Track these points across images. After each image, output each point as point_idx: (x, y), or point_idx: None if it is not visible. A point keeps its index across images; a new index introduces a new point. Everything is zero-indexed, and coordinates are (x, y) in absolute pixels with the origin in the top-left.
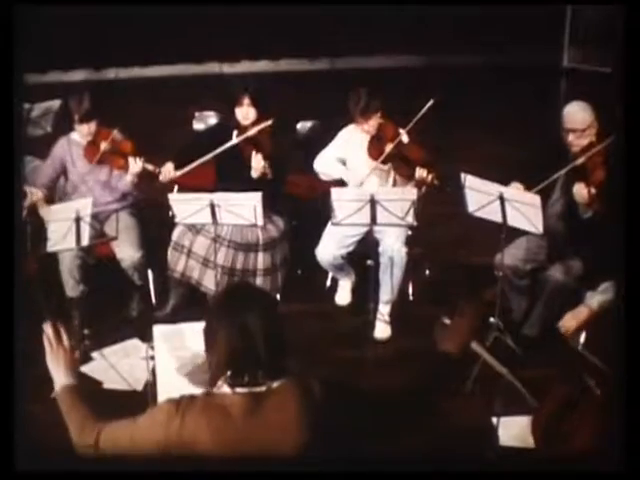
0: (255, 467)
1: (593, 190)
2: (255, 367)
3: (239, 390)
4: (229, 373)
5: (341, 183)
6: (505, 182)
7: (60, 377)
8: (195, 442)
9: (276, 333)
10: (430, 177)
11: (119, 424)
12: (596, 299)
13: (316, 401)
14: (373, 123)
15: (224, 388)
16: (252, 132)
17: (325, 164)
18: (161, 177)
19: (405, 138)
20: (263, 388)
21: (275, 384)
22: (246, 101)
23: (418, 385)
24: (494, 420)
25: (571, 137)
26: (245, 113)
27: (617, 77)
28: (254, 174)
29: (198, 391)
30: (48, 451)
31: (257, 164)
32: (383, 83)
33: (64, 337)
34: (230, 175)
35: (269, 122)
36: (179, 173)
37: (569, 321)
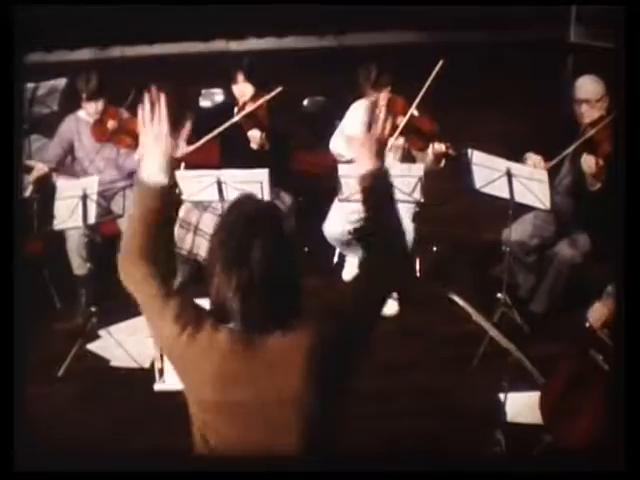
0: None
1: (601, 162)
2: (262, 308)
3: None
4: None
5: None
6: (513, 158)
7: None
8: (195, 370)
9: (289, 270)
10: (445, 147)
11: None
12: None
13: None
14: (384, 96)
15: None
16: (252, 107)
17: (339, 145)
18: (176, 154)
19: (415, 111)
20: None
21: (287, 327)
22: (241, 78)
23: (425, 362)
24: (501, 396)
25: (584, 108)
26: (241, 90)
27: (617, 77)
28: (253, 146)
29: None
30: (47, 451)
31: (253, 136)
32: (390, 59)
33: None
34: (234, 152)
35: (277, 91)
36: (190, 148)
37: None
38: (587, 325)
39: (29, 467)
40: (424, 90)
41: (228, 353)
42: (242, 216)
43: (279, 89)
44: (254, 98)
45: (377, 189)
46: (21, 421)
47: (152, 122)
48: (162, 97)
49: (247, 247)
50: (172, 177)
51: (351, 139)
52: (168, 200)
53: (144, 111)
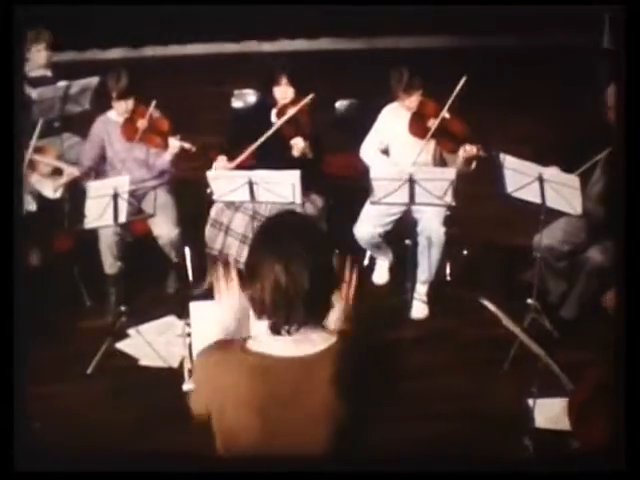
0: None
1: None
2: (299, 305)
3: (280, 339)
4: (271, 312)
5: None
6: (543, 162)
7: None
8: (228, 398)
9: (324, 266)
10: (476, 149)
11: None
12: None
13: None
14: (415, 99)
15: (263, 336)
16: (293, 111)
17: (367, 155)
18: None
19: (446, 114)
20: (308, 351)
21: (318, 347)
22: (284, 80)
23: (453, 366)
24: (530, 402)
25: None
26: (283, 92)
27: (617, 77)
28: (295, 154)
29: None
30: (47, 451)
31: (298, 145)
32: (422, 62)
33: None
34: (269, 154)
35: (310, 97)
36: (234, 164)
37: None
38: None
39: (29, 467)
40: (455, 93)
41: (258, 373)
42: (286, 224)
43: (311, 96)
44: (295, 101)
45: None
46: (21, 421)
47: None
48: (234, 271)
49: (288, 251)
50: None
51: None
52: None
53: (218, 284)
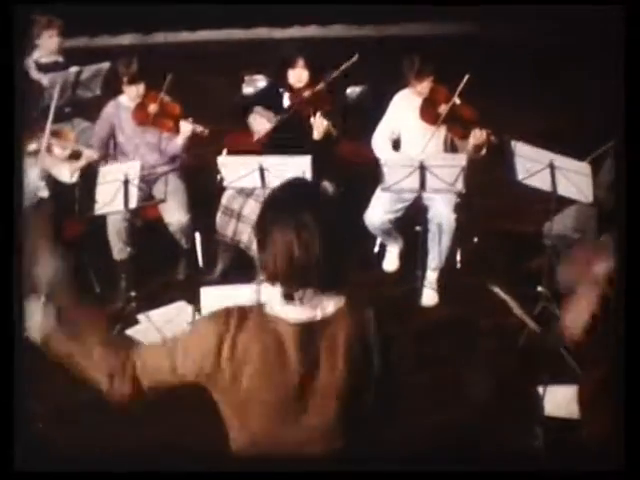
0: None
1: None
2: (311, 272)
3: (292, 308)
4: (283, 279)
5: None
6: (555, 149)
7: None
8: (245, 361)
9: (334, 234)
10: (486, 135)
11: (154, 346)
12: None
13: (367, 342)
14: (426, 85)
15: (275, 303)
16: (319, 87)
17: (377, 146)
18: (256, 136)
19: (457, 100)
20: (318, 313)
21: (329, 309)
22: (300, 63)
23: (463, 353)
24: (540, 390)
25: None
26: (298, 75)
27: (617, 77)
28: (316, 135)
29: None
30: (48, 451)
31: (320, 124)
32: (433, 49)
33: None
34: (286, 138)
35: (355, 57)
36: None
37: None
38: None
39: (29, 467)
40: (466, 79)
41: (275, 336)
42: (296, 191)
43: (355, 57)
44: (310, 84)
45: None
46: (21, 421)
47: None
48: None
49: (300, 218)
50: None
51: None
52: None
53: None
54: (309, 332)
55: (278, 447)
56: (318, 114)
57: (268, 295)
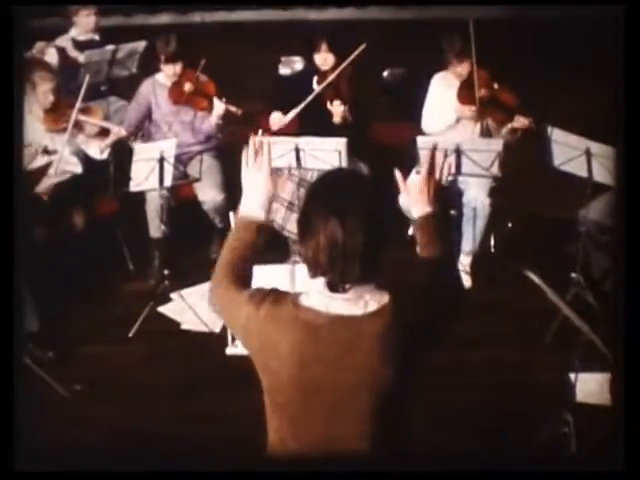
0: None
1: None
2: (355, 261)
3: (332, 297)
4: (327, 269)
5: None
6: (593, 136)
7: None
8: (272, 354)
9: (378, 222)
10: (528, 121)
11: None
12: None
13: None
14: (466, 67)
15: (315, 293)
16: (332, 77)
17: (430, 123)
18: (273, 127)
19: (496, 85)
20: (360, 309)
21: (372, 306)
22: (324, 47)
23: (496, 337)
24: (572, 376)
25: None
26: (323, 59)
27: (617, 77)
28: (336, 120)
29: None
30: (47, 451)
31: (337, 109)
32: (474, 31)
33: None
34: (313, 121)
35: (362, 47)
36: (288, 118)
37: None
38: None
39: (29, 467)
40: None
41: (308, 329)
42: (339, 180)
43: (362, 46)
44: (335, 68)
45: (435, 231)
46: (21, 421)
47: (255, 166)
48: (266, 145)
49: (344, 206)
50: (269, 214)
51: (409, 186)
52: (264, 235)
53: (248, 155)
54: (347, 328)
55: (309, 447)
56: (335, 100)
57: (307, 285)
